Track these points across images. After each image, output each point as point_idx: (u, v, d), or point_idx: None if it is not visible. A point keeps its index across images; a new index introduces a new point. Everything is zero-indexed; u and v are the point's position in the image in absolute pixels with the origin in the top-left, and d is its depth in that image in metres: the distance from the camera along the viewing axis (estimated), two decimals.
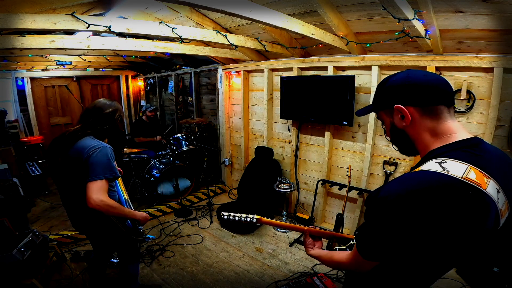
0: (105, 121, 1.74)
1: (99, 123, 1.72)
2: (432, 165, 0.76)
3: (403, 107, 0.84)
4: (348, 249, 1.17)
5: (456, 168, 0.73)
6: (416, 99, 0.83)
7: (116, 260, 2.73)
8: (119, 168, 2.09)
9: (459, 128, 0.83)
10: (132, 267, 2.15)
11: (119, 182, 1.99)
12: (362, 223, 0.89)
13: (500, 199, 0.77)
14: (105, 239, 1.96)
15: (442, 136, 0.82)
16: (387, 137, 0.98)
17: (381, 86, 0.92)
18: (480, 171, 0.75)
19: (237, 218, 1.24)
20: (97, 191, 1.57)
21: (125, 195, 1.98)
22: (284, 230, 3.50)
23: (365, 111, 1.02)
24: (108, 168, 1.61)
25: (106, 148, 1.63)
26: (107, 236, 1.90)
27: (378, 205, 0.77)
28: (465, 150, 0.78)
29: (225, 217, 1.25)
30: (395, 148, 0.99)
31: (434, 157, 0.79)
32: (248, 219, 1.24)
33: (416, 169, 0.79)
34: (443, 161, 0.75)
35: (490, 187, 0.75)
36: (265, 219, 1.27)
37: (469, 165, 0.74)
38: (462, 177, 0.72)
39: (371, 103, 1.02)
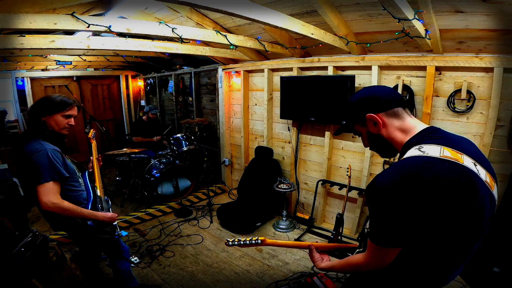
0: (36, 123, 1.69)
1: (35, 126, 1.68)
2: (412, 152, 0.90)
3: (374, 115, 1.00)
4: None
5: (432, 150, 0.87)
6: (379, 106, 1.01)
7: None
8: (99, 159, 2.09)
9: (418, 122, 1.01)
10: (119, 263, 2.15)
11: (96, 179, 2.00)
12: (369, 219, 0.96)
13: (481, 171, 0.88)
14: (73, 237, 1.99)
15: (408, 131, 0.99)
16: (367, 146, 1.14)
17: (349, 104, 1.11)
18: (452, 150, 0.87)
19: (242, 242, 1.32)
20: (47, 194, 1.59)
21: (99, 192, 1.98)
22: (285, 230, 3.50)
23: (341, 129, 1.20)
24: (53, 169, 1.61)
25: (45, 150, 1.62)
26: (73, 234, 1.95)
27: (376, 193, 0.87)
28: (430, 136, 0.93)
29: (230, 243, 1.33)
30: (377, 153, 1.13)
31: (410, 146, 0.94)
32: (253, 241, 1.31)
33: (402, 159, 0.93)
34: (420, 147, 0.89)
35: (466, 161, 0.87)
36: (268, 240, 1.34)
37: (441, 146, 0.88)
38: (439, 156, 0.85)
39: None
